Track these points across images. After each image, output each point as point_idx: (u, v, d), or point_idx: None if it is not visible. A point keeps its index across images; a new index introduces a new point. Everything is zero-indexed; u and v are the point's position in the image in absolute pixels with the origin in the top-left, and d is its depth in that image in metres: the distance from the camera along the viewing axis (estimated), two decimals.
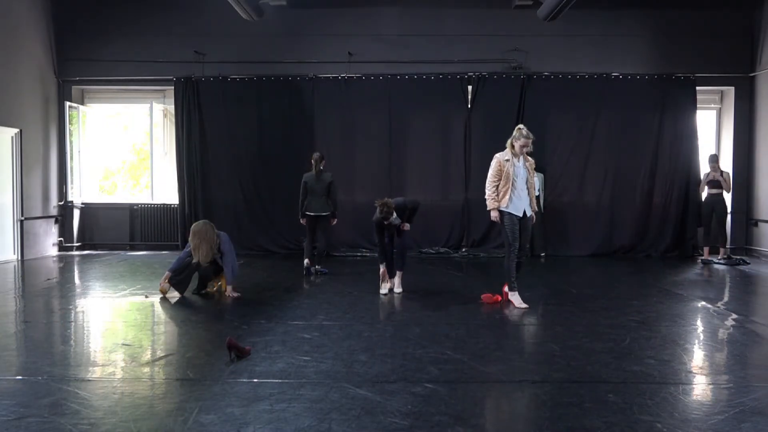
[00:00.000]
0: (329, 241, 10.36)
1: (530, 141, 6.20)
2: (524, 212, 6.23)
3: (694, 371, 4.19)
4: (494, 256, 10.15)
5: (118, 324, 5.73)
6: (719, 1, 10.59)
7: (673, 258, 10.32)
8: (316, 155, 8.37)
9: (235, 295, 6.65)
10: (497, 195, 6.21)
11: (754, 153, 10.70)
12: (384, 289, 6.97)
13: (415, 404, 3.51)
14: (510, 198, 6.16)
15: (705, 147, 10.91)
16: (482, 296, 6.56)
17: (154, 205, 11.14)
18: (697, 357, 4.60)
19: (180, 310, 6.37)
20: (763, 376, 4.05)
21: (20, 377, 3.99)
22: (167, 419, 3.30)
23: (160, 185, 11.34)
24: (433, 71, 10.59)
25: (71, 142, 10.96)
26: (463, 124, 10.61)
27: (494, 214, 6.25)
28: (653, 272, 8.76)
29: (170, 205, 11.09)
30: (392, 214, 6.76)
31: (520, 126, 6.31)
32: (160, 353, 4.76)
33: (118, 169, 14.41)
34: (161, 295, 6.73)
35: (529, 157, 6.34)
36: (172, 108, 11.07)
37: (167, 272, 6.83)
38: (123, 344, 4.92)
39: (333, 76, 10.68)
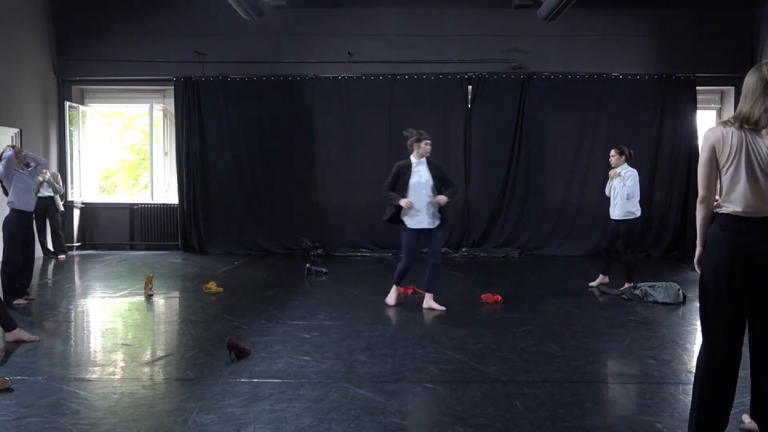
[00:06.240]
0: (330, 241, 10.36)
1: None
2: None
3: (694, 371, 4.18)
4: (494, 256, 10.15)
5: (118, 324, 5.73)
6: (719, 1, 10.57)
7: (673, 258, 10.31)
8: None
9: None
10: None
11: None
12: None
13: (415, 404, 3.51)
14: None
15: None
16: (482, 296, 6.57)
17: (154, 205, 11.12)
18: None
19: (180, 310, 6.37)
20: None
21: (20, 377, 3.99)
22: (167, 419, 3.30)
23: (160, 185, 11.34)
24: (433, 71, 10.58)
25: (71, 142, 10.94)
26: (463, 124, 10.60)
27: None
28: (653, 272, 8.75)
29: (170, 205, 11.08)
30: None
31: None
32: (160, 353, 4.76)
33: (118, 169, 14.42)
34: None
35: None
36: (172, 108, 11.06)
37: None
38: (123, 344, 4.92)
39: (333, 76, 10.66)
